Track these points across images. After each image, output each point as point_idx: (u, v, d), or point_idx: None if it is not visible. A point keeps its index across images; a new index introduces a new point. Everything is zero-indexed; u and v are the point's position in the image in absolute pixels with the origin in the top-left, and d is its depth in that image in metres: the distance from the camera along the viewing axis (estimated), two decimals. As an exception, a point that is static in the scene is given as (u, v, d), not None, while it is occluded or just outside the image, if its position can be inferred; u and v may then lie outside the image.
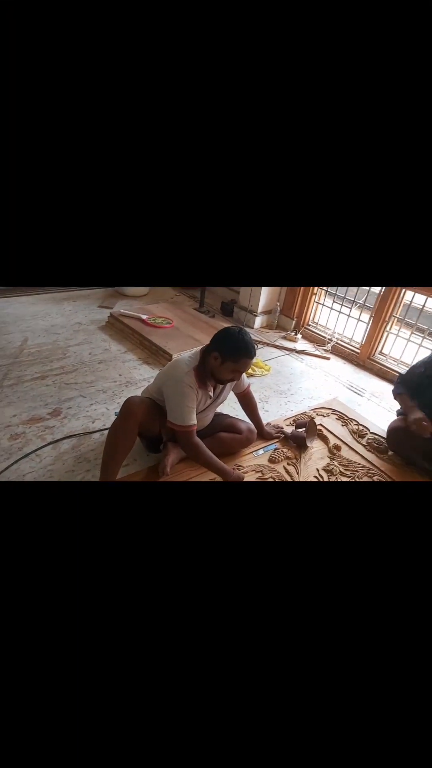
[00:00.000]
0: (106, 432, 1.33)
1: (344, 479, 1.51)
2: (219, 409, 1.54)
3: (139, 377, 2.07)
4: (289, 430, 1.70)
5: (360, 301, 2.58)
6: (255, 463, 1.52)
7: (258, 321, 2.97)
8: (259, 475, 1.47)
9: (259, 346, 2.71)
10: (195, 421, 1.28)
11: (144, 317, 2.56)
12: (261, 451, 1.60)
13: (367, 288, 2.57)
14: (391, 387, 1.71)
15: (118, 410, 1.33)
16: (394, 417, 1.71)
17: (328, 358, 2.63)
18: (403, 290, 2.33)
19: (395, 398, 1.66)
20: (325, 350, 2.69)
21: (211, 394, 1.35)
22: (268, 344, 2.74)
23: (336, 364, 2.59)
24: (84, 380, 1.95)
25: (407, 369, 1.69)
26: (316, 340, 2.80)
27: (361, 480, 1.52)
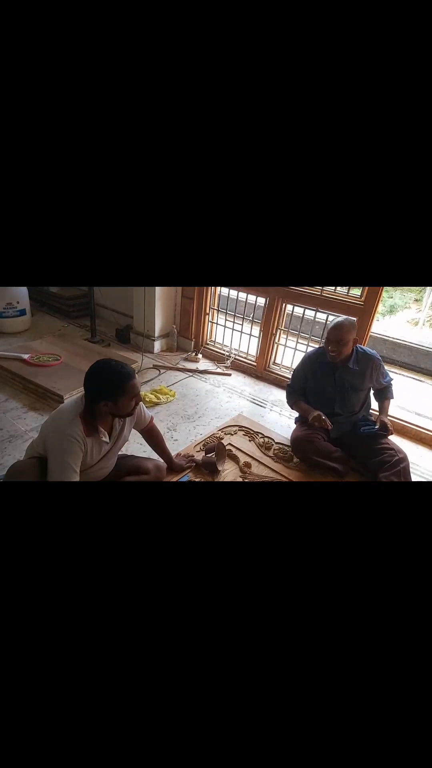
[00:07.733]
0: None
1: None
2: (123, 450, 1.42)
3: (26, 428, 1.80)
4: (200, 456, 1.66)
5: (249, 317, 2.74)
6: (169, 501, 1.44)
7: (157, 345, 2.91)
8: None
9: (162, 370, 2.65)
10: (75, 480, 1.13)
11: (25, 357, 2.27)
12: (174, 486, 1.52)
13: (253, 303, 2.75)
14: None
15: (2, 473, 1.14)
16: (294, 425, 1.83)
17: (229, 374, 2.71)
18: (284, 303, 2.55)
19: (292, 408, 1.79)
20: (225, 367, 2.78)
21: (106, 440, 1.22)
22: (171, 368, 2.69)
23: (237, 378, 2.69)
24: None
25: (291, 376, 1.87)
26: (216, 357, 2.87)
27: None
